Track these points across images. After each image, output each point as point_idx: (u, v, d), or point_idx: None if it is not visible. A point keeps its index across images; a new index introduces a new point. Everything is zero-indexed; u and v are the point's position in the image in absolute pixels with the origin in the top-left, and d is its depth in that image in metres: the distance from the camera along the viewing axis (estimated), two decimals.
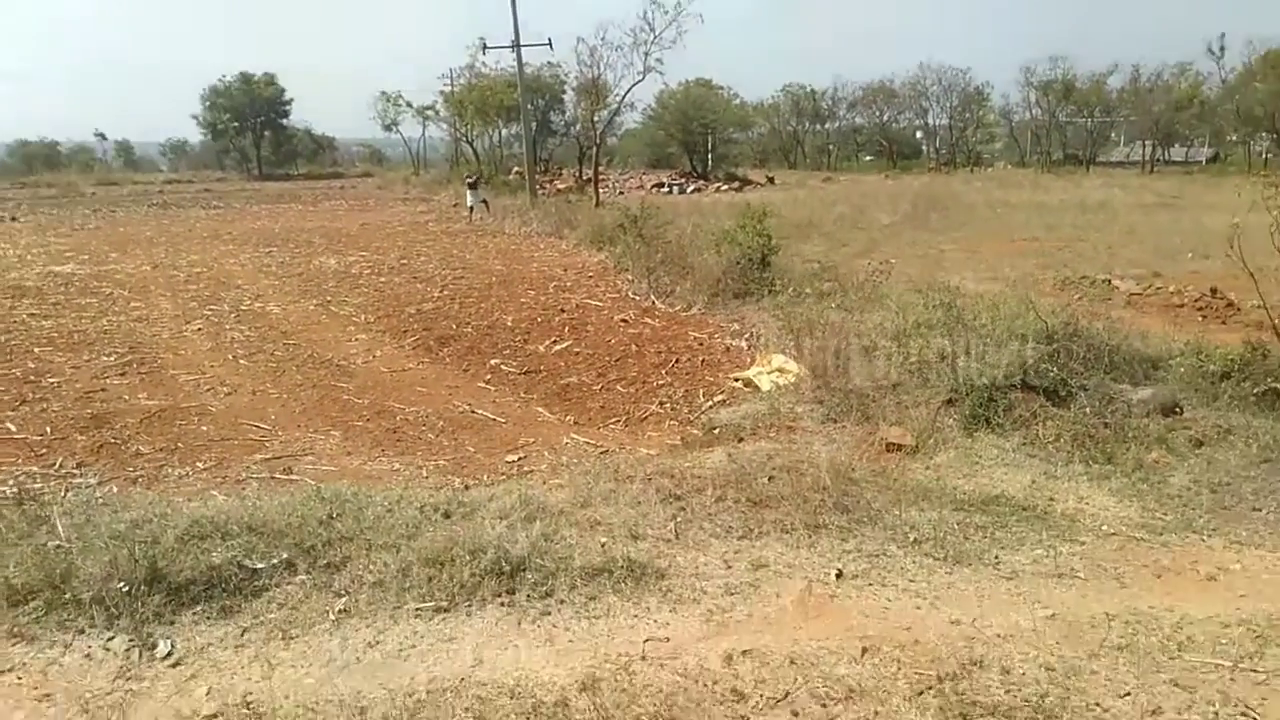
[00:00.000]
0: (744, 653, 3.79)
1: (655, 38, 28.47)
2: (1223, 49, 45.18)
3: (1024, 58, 52.46)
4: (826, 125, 63.93)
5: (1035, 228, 20.01)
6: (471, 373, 9.46)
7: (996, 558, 4.74)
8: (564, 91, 44.48)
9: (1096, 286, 12.46)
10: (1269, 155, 43.31)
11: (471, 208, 26.19)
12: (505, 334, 11.01)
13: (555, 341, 10.62)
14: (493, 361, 9.80)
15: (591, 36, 30.55)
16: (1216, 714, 3.37)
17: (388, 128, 53.91)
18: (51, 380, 8.83)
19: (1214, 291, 11.33)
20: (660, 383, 8.93)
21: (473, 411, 8.07)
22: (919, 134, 61.31)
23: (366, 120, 54.48)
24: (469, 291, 13.85)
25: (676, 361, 9.63)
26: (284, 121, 59.98)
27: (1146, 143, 48.51)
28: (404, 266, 16.69)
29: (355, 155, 69.51)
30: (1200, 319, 10.64)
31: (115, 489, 6.03)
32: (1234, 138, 46.78)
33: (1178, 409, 6.88)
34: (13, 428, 7.37)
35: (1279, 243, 6.96)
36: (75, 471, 6.42)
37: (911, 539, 4.93)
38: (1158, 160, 48.19)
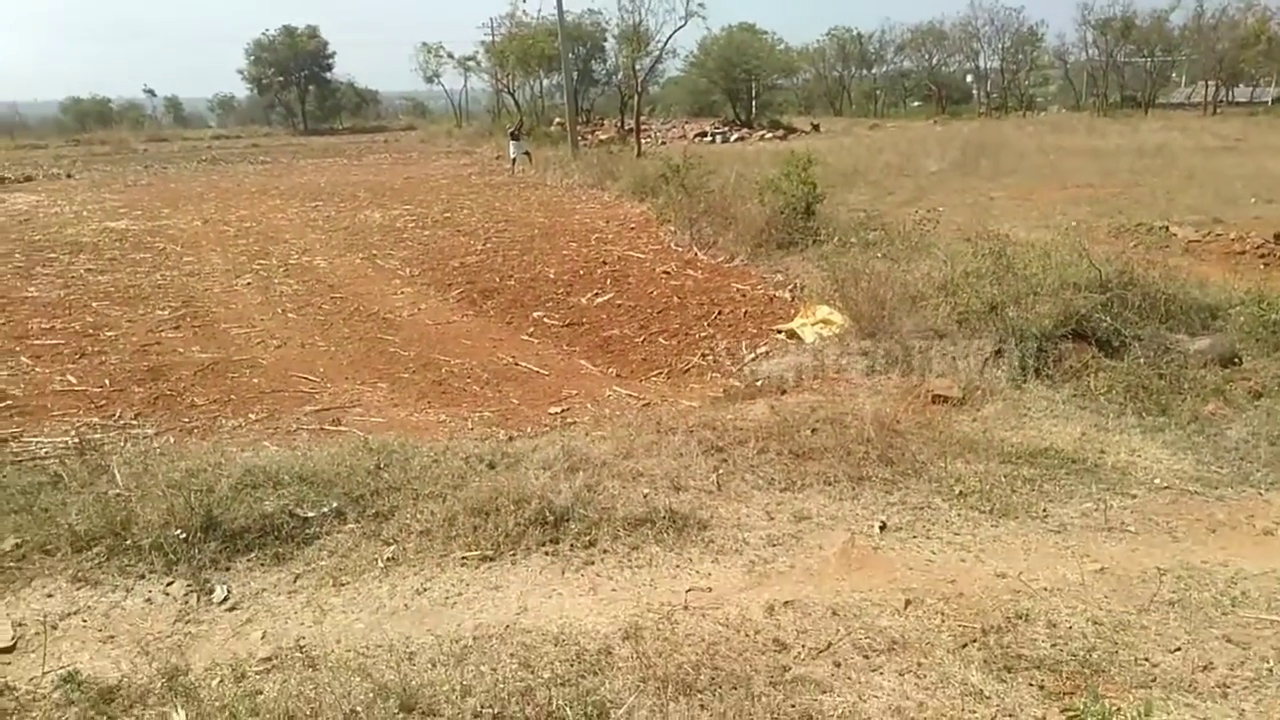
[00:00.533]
0: (786, 603, 3.80)
1: None
2: None
3: None
4: (873, 70, 62.14)
5: (1090, 173, 19.36)
6: (515, 325, 9.52)
7: (1044, 510, 4.68)
8: (605, 39, 43.81)
9: (1153, 233, 12.05)
10: None
11: (514, 159, 26.09)
12: (548, 286, 11.03)
13: (597, 294, 10.61)
14: (535, 314, 9.84)
15: None
16: (1270, 670, 3.31)
17: (429, 80, 53.69)
18: (109, 334, 9.08)
19: (1278, 238, 10.89)
20: (702, 335, 8.89)
21: (516, 364, 8.13)
22: (969, 78, 59.26)
23: (409, 73, 54.37)
24: (512, 244, 13.87)
25: (719, 313, 9.57)
26: (327, 75, 60.08)
27: (1209, 83, 46.31)
28: (447, 220, 16.74)
29: (398, 108, 69.47)
30: (1262, 266, 10.25)
31: (171, 439, 6.22)
32: None
33: (1237, 359, 6.67)
34: (73, 380, 7.61)
35: None
36: (133, 422, 6.62)
37: (957, 491, 4.87)
38: (1221, 101, 46.06)
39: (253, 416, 6.74)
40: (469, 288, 11.06)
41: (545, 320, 9.63)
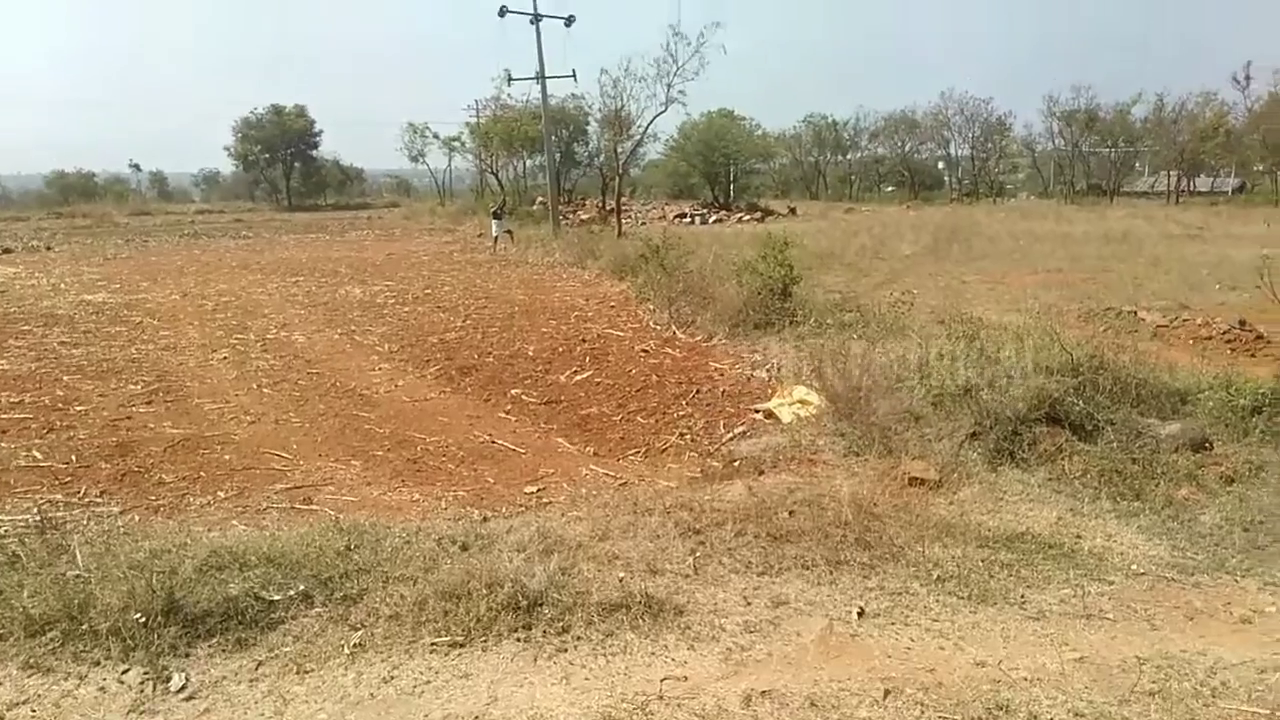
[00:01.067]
0: (763, 693, 3.71)
1: (678, 69, 28.80)
2: (1248, 78, 44.74)
3: (1047, 87, 52.30)
4: (848, 156, 64.14)
5: (1059, 259, 19.85)
6: (492, 403, 9.48)
7: (1022, 597, 4.64)
8: (588, 123, 45.02)
9: (1122, 318, 12.30)
10: None
11: (496, 238, 26.45)
12: (526, 364, 11.04)
13: (576, 371, 10.62)
14: (514, 391, 9.81)
15: (615, 68, 30.92)
16: None
17: (414, 159, 54.78)
18: (79, 408, 8.93)
19: (1243, 323, 11.14)
20: (680, 414, 8.88)
21: (493, 442, 8.06)
22: (941, 164, 61.29)
23: (394, 152, 55.51)
24: (491, 321, 13.92)
25: (697, 392, 9.58)
26: (313, 153, 61.10)
27: (1171, 173, 48.12)
28: (428, 296, 16.83)
29: (383, 186, 70.60)
30: (1229, 351, 10.46)
31: (137, 518, 6.07)
32: (1260, 168, 46.31)
33: (1208, 444, 6.74)
34: (39, 455, 7.44)
35: None
36: (98, 500, 6.46)
37: (935, 576, 4.83)
38: (1183, 191, 47.79)
39: (222, 494, 6.61)
40: (447, 364, 11.04)
41: (523, 398, 9.60)
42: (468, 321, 13.94)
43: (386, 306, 15.65)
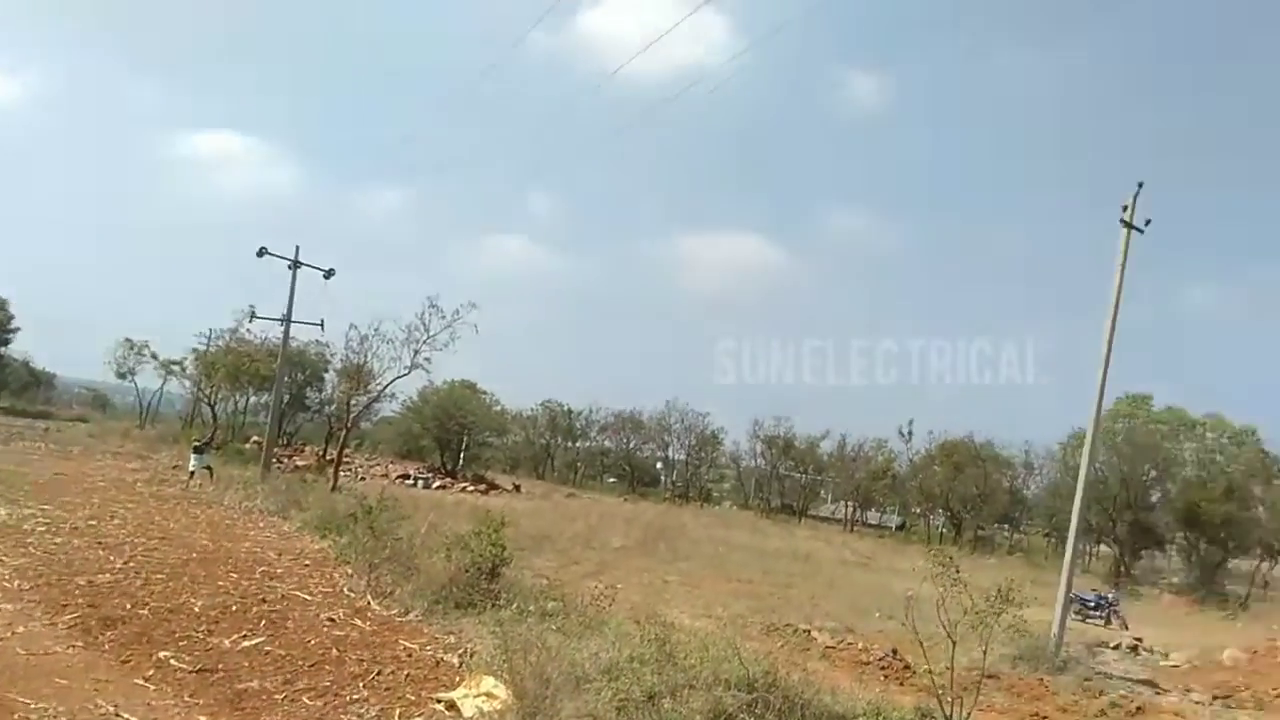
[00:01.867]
0: None
1: (428, 337, 29.35)
2: (910, 433, 53.21)
3: (756, 411, 59.27)
4: (577, 443, 67.07)
5: (752, 570, 21.38)
6: (132, 665, 8.16)
7: None
8: (326, 370, 44.09)
9: (798, 635, 13.24)
10: (944, 530, 50.12)
11: (192, 472, 24.29)
12: (188, 621, 9.74)
13: (246, 636, 9.50)
14: (163, 653, 8.53)
15: (366, 324, 30.97)
16: None
17: (122, 375, 50.20)
18: None
19: (895, 652, 12.37)
20: (355, 697, 8.11)
21: (116, 716, 6.83)
22: (659, 464, 65.65)
23: (101, 364, 50.34)
24: (160, 566, 12.33)
25: (379, 673, 8.86)
26: (2, 349, 54.30)
27: (849, 503, 54.80)
28: (91, 528, 14.71)
29: (75, 396, 63.48)
30: (883, 678, 11.47)
31: None
32: (917, 510, 53.89)
33: None
34: None
35: (942, 616, 7.87)
36: None
37: None
38: (857, 520, 54.33)
39: None
40: (89, 612, 9.48)
41: (172, 662, 8.35)
42: (130, 563, 12.24)
43: (33, 534, 13.44)
